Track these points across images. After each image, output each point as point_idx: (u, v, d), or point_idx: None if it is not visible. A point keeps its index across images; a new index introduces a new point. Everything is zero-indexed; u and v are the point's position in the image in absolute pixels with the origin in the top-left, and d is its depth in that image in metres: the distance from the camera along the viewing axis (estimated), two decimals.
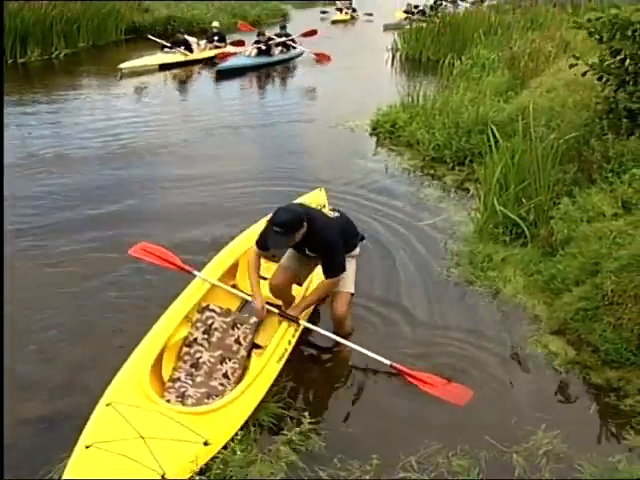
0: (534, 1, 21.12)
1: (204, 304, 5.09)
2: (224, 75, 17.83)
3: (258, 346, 5.07)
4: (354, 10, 34.04)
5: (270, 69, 19.39)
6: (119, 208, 7.89)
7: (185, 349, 4.87)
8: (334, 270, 4.94)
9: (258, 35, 20.30)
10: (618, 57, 7.60)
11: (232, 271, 5.87)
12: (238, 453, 3.91)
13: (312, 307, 5.34)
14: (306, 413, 4.33)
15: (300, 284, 5.54)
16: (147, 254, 5.64)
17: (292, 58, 20.73)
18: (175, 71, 18.38)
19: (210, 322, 4.99)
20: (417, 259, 6.77)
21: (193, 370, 4.74)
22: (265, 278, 5.60)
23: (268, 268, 5.87)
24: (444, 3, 31.37)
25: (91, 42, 20.98)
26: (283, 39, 20.63)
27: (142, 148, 10.44)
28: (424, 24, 22.56)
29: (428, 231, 7.42)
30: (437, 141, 9.70)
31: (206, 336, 4.93)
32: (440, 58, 15.20)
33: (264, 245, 4.97)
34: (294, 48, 20.86)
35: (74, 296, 5.81)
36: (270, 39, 20.13)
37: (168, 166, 9.68)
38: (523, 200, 6.98)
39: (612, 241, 5.66)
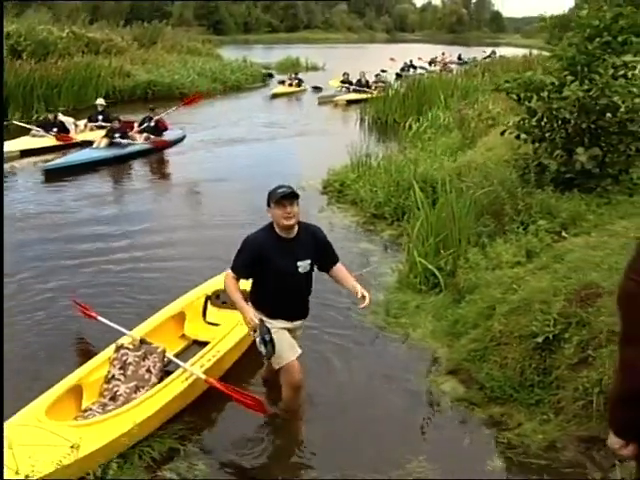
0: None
1: (119, 343, 5.50)
2: (58, 175, 13.36)
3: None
4: (300, 82, 30.11)
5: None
6: None
7: (104, 386, 5.29)
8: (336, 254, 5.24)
9: (144, 119, 16.57)
10: (535, 117, 8.13)
11: (179, 320, 6.37)
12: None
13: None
14: (198, 446, 4.71)
15: None
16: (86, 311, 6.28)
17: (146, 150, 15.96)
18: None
19: (124, 358, 5.39)
20: (337, 308, 7.12)
21: (110, 402, 5.13)
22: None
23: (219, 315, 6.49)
24: (411, 70, 32.29)
25: (71, 106, 21.39)
26: (146, 124, 16.35)
27: None
28: (363, 95, 24.18)
29: None
30: (378, 199, 10.15)
31: (122, 371, 5.33)
32: (405, 121, 15.88)
33: (242, 269, 4.93)
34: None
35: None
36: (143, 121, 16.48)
37: None
38: (442, 251, 7.40)
39: (509, 287, 6.06)
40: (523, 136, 8.29)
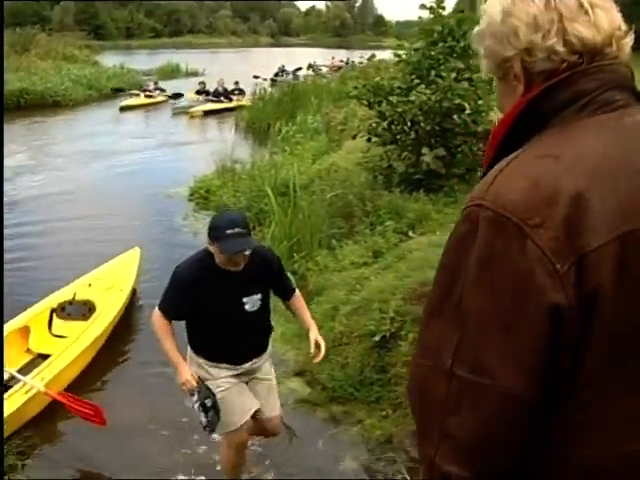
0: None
1: None
2: None
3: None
4: (162, 90, 27.62)
5: None
6: None
7: None
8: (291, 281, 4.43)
9: None
10: (385, 121, 8.34)
11: (24, 334, 6.21)
12: None
13: None
14: (38, 462, 4.63)
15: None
16: None
17: None
18: None
19: None
20: None
21: None
22: None
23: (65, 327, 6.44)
24: (284, 75, 32.45)
25: None
26: None
27: None
28: (221, 105, 23.89)
29: None
30: (241, 204, 10.17)
31: None
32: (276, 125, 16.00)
33: (171, 309, 3.89)
34: None
35: None
36: None
37: None
38: (295, 255, 7.49)
39: (353, 287, 6.20)
40: (374, 139, 8.49)
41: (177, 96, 26.80)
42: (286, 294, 4.27)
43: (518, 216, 1.18)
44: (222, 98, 25.04)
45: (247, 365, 4.05)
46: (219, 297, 3.81)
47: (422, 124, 8.02)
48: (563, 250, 1.17)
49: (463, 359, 1.21)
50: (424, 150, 7.89)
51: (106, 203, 11.71)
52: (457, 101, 7.82)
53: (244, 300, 3.90)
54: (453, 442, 1.22)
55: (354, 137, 8.93)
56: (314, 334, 4.08)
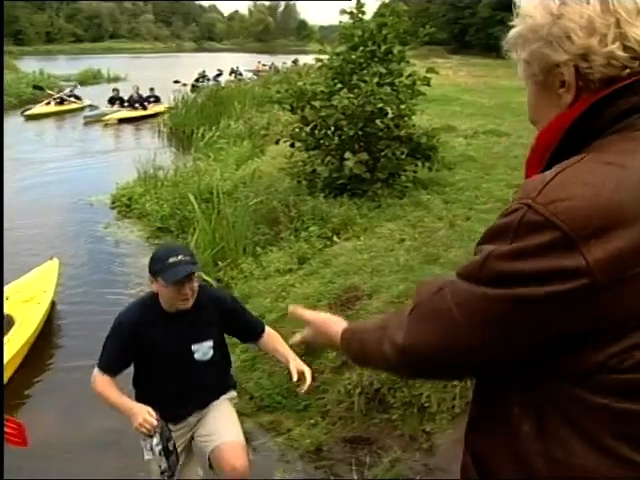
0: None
1: None
2: None
3: None
4: (77, 98, 26.65)
5: None
6: None
7: None
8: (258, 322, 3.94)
9: None
10: (308, 126, 8.31)
11: None
12: None
13: None
14: None
15: None
16: None
17: None
18: None
19: None
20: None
21: None
22: None
23: None
24: (205, 80, 32.20)
25: None
26: None
27: None
28: (137, 112, 23.34)
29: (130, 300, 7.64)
30: (164, 212, 10.02)
31: None
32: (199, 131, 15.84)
33: (111, 365, 3.47)
34: None
35: None
36: None
37: None
38: (219, 262, 7.39)
39: (278, 295, 6.14)
40: (297, 144, 8.45)
41: (91, 107, 24.95)
42: (253, 334, 3.80)
43: (571, 226, 1.13)
44: (137, 105, 24.22)
45: (190, 419, 3.70)
46: (165, 344, 3.43)
47: (345, 129, 8.02)
48: (611, 269, 1.12)
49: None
50: (347, 155, 7.89)
51: (24, 213, 11.37)
52: (379, 105, 7.84)
53: (193, 348, 3.50)
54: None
55: (277, 142, 8.89)
56: (294, 363, 3.57)
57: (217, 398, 3.75)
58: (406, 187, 8.43)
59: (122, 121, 22.96)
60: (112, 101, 24.74)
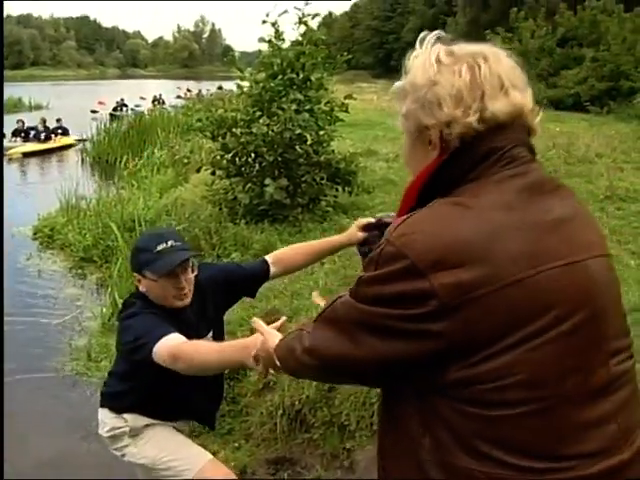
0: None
1: None
2: None
3: None
4: None
5: None
6: None
7: None
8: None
9: None
10: (229, 154, 8.43)
11: None
12: None
13: None
14: None
15: None
16: None
17: None
18: None
19: None
20: (33, 360, 6.87)
21: None
22: None
23: None
24: (124, 109, 31.90)
25: None
26: None
27: None
28: (44, 145, 21.95)
29: (54, 330, 7.61)
30: (87, 242, 9.97)
31: None
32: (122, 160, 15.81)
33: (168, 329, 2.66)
34: None
35: None
36: None
37: None
38: None
39: None
40: (218, 172, 8.56)
41: None
42: (260, 269, 3.14)
43: (417, 256, 1.32)
44: (42, 137, 22.66)
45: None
46: None
47: (265, 155, 8.16)
48: (457, 292, 1.30)
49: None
50: (267, 181, 8.02)
51: None
52: (298, 132, 8.00)
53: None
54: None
55: (198, 170, 9.00)
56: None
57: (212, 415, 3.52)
58: (327, 212, 8.60)
59: (28, 155, 21.32)
60: (16, 133, 23.10)
